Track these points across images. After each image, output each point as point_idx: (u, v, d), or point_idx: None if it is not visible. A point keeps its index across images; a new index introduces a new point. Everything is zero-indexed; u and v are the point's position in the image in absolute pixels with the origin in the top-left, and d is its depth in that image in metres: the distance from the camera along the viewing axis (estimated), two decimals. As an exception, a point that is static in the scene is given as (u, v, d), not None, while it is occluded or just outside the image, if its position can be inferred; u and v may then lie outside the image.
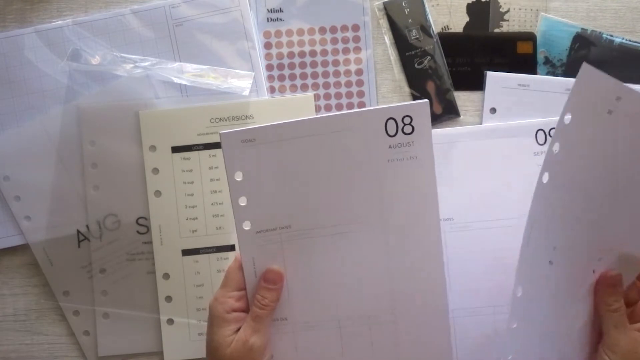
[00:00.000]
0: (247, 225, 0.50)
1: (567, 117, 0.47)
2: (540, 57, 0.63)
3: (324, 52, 0.63)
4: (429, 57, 0.63)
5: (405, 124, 0.49)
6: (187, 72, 0.61)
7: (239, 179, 0.49)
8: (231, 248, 0.62)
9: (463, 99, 0.62)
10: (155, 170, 0.62)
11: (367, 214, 0.50)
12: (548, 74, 0.62)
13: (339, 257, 0.51)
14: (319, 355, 0.52)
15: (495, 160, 0.61)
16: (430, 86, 0.62)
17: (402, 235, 0.50)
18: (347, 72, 0.63)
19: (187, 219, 0.62)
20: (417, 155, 0.49)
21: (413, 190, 0.50)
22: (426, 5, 0.63)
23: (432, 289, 0.51)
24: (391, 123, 0.49)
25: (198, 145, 0.62)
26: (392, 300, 0.51)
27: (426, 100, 0.49)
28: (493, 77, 0.62)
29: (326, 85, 0.63)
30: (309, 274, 0.51)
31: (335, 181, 0.50)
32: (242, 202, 0.49)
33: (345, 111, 0.51)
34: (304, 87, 0.63)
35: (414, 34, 0.63)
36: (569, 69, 0.62)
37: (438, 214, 0.50)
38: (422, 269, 0.51)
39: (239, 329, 0.48)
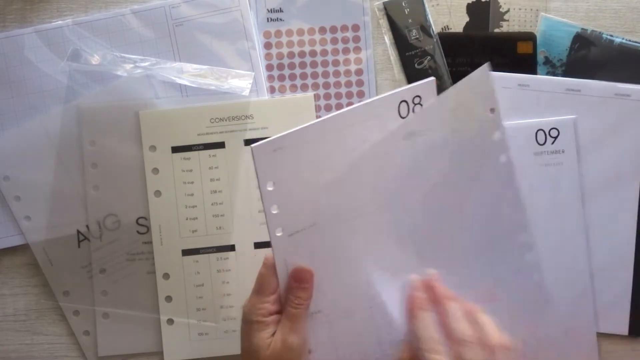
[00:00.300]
0: (279, 232, 0.50)
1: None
2: (540, 57, 0.63)
3: (324, 52, 0.63)
4: (429, 57, 0.63)
5: (415, 104, 0.51)
6: (187, 72, 0.61)
7: (270, 189, 0.49)
8: (231, 248, 0.62)
9: (463, 99, 0.62)
10: (155, 170, 0.62)
11: (380, 198, 0.51)
12: (548, 74, 0.62)
13: (361, 240, 0.51)
14: (356, 340, 0.52)
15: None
16: (430, 86, 0.62)
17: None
18: (347, 72, 0.63)
19: (187, 219, 0.62)
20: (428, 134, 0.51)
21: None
22: (426, 5, 0.63)
23: None
24: (403, 105, 0.51)
25: (198, 145, 0.62)
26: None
27: (432, 78, 0.52)
28: (493, 77, 0.62)
29: (326, 85, 0.63)
30: (337, 264, 0.51)
31: (357, 170, 0.51)
32: (274, 210, 0.49)
33: (351, 106, 0.53)
34: (304, 87, 0.63)
35: (414, 34, 0.63)
36: (569, 69, 0.62)
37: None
38: None
39: (275, 331, 0.49)
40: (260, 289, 0.50)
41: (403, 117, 0.51)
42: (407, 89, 0.51)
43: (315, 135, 0.50)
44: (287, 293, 0.49)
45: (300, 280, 0.49)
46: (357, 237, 0.52)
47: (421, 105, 0.51)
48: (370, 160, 0.51)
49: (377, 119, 0.51)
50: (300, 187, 0.50)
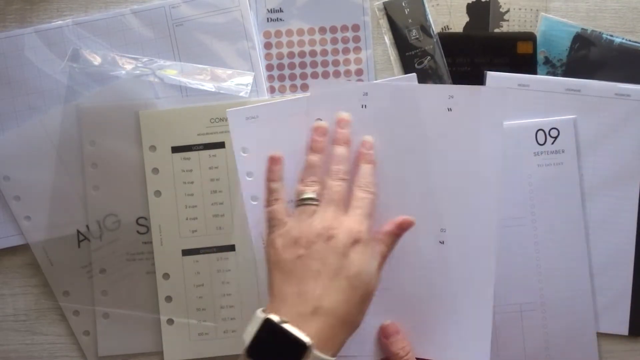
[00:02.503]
0: (254, 200, 0.54)
1: None
2: (540, 57, 0.63)
3: (324, 52, 0.63)
4: (429, 57, 0.63)
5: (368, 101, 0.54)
6: (187, 72, 0.61)
7: (244, 155, 0.54)
8: (231, 248, 0.62)
9: (463, 99, 0.62)
10: (155, 170, 0.62)
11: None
12: (548, 74, 0.62)
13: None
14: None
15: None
16: (430, 86, 0.62)
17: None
18: (347, 72, 0.63)
19: (187, 219, 0.62)
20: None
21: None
22: (426, 5, 0.63)
23: None
24: (365, 97, 0.54)
25: (198, 145, 0.62)
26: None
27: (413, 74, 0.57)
28: (493, 77, 0.62)
29: (326, 85, 0.63)
30: None
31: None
32: (249, 177, 0.54)
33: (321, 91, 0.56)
34: (304, 87, 0.63)
35: (414, 34, 0.63)
36: (569, 69, 0.62)
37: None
38: None
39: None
40: (372, 214, 0.50)
41: (363, 108, 0.54)
42: (367, 84, 0.56)
43: (286, 110, 0.54)
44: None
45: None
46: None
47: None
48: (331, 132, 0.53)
49: (343, 105, 0.53)
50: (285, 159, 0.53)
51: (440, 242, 0.54)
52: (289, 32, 0.63)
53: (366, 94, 0.54)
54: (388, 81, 0.60)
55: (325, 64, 0.63)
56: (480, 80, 0.62)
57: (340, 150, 0.51)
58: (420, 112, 0.54)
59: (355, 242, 0.47)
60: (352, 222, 0.48)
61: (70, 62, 0.61)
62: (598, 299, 0.61)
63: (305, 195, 0.49)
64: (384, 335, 0.54)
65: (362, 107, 0.54)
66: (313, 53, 0.63)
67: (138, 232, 0.62)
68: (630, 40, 0.62)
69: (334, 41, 0.63)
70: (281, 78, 0.63)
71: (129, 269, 0.62)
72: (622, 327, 0.61)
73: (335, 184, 0.49)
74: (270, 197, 0.51)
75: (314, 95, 0.55)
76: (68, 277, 0.62)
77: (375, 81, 0.62)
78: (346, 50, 0.63)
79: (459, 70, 0.63)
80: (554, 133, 0.61)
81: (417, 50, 0.63)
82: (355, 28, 0.63)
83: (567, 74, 0.62)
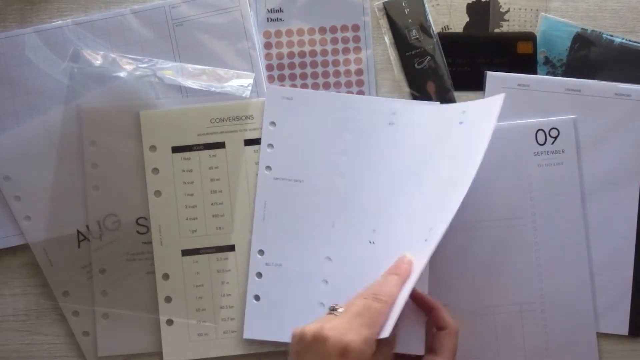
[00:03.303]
0: (267, 170, 0.60)
1: None
2: (540, 57, 0.63)
3: (324, 52, 0.63)
4: (429, 57, 0.63)
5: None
6: (187, 73, 0.61)
7: (271, 128, 0.60)
8: (231, 248, 0.62)
9: (463, 99, 0.62)
10: (156, 170, 0.62)
11: (370, 181, 0.60)
12: (548, 74, 0.62)
13: (334, 210, 0.60)
14: (304, 304, 0.59)
15: (495, 160, 0.61)
16: (430, 86, 0.62)
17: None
18: (347, 72, 0.63)
19: (187, 219, 0.62)
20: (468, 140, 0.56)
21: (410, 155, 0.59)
22: (426, 5, 0.63)
23: None
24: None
25: (198, 145, 0.62)
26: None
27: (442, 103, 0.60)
28: (493, 77, 0.62)
29: (326, 85, 0.63)
30: (310, 226, 0.60)
31: (345, 148, 0.60)
32: (269, 149, 0.60)
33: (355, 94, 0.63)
34: (304, 87, 0.63)
35: (414, 34, 0.63)
36: (569, 69, 0.62)
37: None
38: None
39: None
40: (377, 324, 0.49)
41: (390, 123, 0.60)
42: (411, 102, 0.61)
43: (320, 101, 0.61)
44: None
45: None
46: (329, 205, 0.60)
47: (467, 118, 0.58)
48: (358, 139, 0.60)
49: (375, 115, 0.60)
50: (297, 141, 0.60)
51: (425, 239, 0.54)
52: (289, 32, 0.63)
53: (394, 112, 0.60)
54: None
55: (325, 64, 0.63)
56: (480, 80, 0.62)
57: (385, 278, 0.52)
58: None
59: (344, 353, 0.46)
60: (344, 328, 0.47)
61: (71, 62, 0.61)
62: (598, 299, 0.61)
63: (334, 304, 0.50)
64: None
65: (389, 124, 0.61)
66: (313, 53, 0.63)
67: (138, 232, 0.62)
68: (630, 40, 0.62)
69: (334, 41, 0.63)
70: (281, 78, 0.63)
71: (129, 269, 0.62)
72: (622, 327, 0.61)
73: (358, 300, 0.50)
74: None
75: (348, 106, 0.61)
76: (68, 277, 0.62)
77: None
78: (346, 50, 0.63)
79: (459, 70, 0.63)
80: (554, 133, 0.61)
81: (417, 50, 0.63)
82: (355, 28, 0.63)
83: (567, 74, 0.62)
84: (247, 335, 0.60)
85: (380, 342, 0.48)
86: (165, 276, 0.62)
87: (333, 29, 0.63)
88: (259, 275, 0.60)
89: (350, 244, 0.59)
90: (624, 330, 0.61)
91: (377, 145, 0.60)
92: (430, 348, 0.54)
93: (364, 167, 0.60)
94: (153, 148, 0.62)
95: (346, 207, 0.60)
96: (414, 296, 0.54)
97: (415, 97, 0.62)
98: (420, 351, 0.54)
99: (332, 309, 0.50)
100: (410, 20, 0.63)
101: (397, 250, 0.54)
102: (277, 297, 0.60)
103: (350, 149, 0.60)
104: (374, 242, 0.58)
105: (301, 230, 0.60)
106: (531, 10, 0.63)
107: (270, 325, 0.59)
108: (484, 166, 0.61)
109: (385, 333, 0.47)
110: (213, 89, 0.61)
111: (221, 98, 0.62)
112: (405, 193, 0.58)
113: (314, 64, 0.63)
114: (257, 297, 0.60)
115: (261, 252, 0.60)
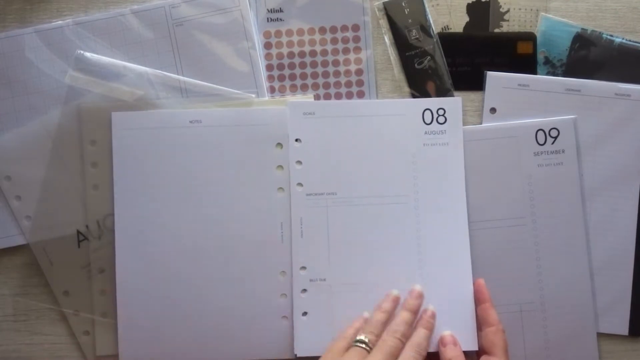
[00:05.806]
0: (299, 187, 0.60)
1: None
2: (540, 57, 0.63)
3: (324, 52, 0.63)
4: (429, 57, 0.63)
5: (439, 115, 0.61)
6: (189, 89, 0.62)
7: (296, 145, 0.60)
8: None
9: (463, 98, 0.62)
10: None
11: (401, 189, 0.60)
12: (548, 74, 0.63)
13: (374, 224, 0.60)
14: (349, 312, 0.58)
15: (495, 161, 0.61)
16: (430, 86, 0.62)
17: (432, 211, 0.60)
18: (347, 72, 0.63)
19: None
20: (448, 142, 0.60)
21: (443, 171, 0.60)
22: (426, 5, 0.63)
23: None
24: (427, 113, 0.60)
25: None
26: (420, 269, 0.59)
27: (459, 97, 0.61)
28: (493, 77, 0.62)
29: (326, 85, 0.63)
30: (349, 238, 0.59)
31: (376, 157, 0.60)
32: (298, 166, 0.60)
33: (390, 99, 0.63)
34: (304, 87, 0.63)
35: (414, 34, 0.63)
36: (569, 69, 0.62)
37: (464, 197, 0.59)
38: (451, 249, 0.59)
39: None
40: None
41: (427, 124, 0.60)
42: (433, 100, 0.61)
43: (346, 112, 0.61)
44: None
45: None
46: (373, 221, 0.60)
47: (445, 117, 0.60)
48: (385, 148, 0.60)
49: (400, 117, 0.60)
50: (324, 155, 0.60)
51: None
52: (289, 32, 0.63)
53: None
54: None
55: (325, 64, 0.63)
56: (480, 80, 0.62)
57: (406, 315, 0.55)
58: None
59: None
60: None
61: (74, 65, 0.61)
62: (598, 299, 0.61)
63: (360, 337, 0.53)
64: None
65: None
66: (313, 53, 0.63)
67: (138, 232, 0.62)
68: (630, 40, 0.62)
69: (334, 41, 0.63)
70: (281, 78, 0.63)
71: (129, 269, 0.62)
72: (622, 327, 0.61)
73: (390, 338, 0.53)
74: (346, 332, 0.56)
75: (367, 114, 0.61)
76: (68, 277, 0.62)
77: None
78: (346, 50, 0.63)
79: (459, 70, 0.63)
80: (554, 133, 0.61)
81: (417, 50, 0.63)
82: (355, 28, 0.63)
83: (567, 74, 0.62)
84: (298, 352, 0.59)
85: None
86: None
87: (333, 29, 0.63)
88: (304, 291, 0.60)
89: (391, 249, 0.60)
90: (624, 330, 0.61)
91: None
92: (482, 348, 0.55)
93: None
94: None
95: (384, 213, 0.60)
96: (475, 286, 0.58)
97: (415, 97, 0.62)
98: (475, 347, 0.57)
99: (361, 342, 0.53)
100: (410, 20, 0.63)
101: (437, 257, 0.59)
102: (324, 311, 0.59)
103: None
104: (419, 245, 0.59)
105: (341, 241, 0.60)
106: (531, 10, 0.63)
107: (321, 339, 0.59)
108: (484, 166, 0.61)
109: None
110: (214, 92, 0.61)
111: (222, 98, 0.62)
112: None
113: (314, 64, 0.63)
114: (304, 313, 0.59)
115: (303, 268, 0.60)
